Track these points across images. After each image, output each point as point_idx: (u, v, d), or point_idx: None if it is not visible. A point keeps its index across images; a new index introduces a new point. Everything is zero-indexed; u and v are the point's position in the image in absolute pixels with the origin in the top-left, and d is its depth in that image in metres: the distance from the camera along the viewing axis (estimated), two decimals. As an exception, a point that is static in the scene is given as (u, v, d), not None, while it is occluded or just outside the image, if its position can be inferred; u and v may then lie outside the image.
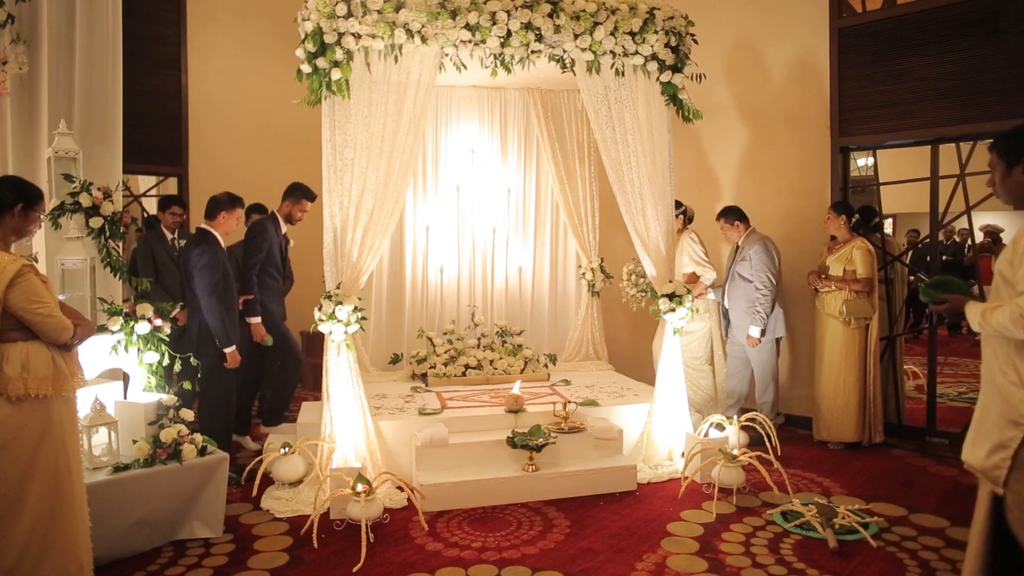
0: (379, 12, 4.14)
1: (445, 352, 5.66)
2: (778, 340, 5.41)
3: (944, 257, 8.06)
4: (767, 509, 4.01)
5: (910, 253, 7.14)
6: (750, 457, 4.11)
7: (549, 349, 6.24)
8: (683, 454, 4.63)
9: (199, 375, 4.36)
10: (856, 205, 5.70)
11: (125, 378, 3.93)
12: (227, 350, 4.38)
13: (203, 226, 4.50)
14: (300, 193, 5.27)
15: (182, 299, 4.86)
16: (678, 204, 5.75)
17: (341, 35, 4.12)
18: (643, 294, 6.02)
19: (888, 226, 9.31)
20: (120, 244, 4.07)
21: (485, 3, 4.27)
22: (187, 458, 3.53)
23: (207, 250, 4.36)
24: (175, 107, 6.49)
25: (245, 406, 5.27)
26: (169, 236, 5.27)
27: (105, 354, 3.76)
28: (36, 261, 3.82)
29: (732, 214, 5.41)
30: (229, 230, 4.56)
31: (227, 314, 4.39)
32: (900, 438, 5.32)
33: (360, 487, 3.59)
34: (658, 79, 4.75)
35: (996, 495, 2.22)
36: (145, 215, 6.56)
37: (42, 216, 2.87)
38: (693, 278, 5.71)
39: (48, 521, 2.65)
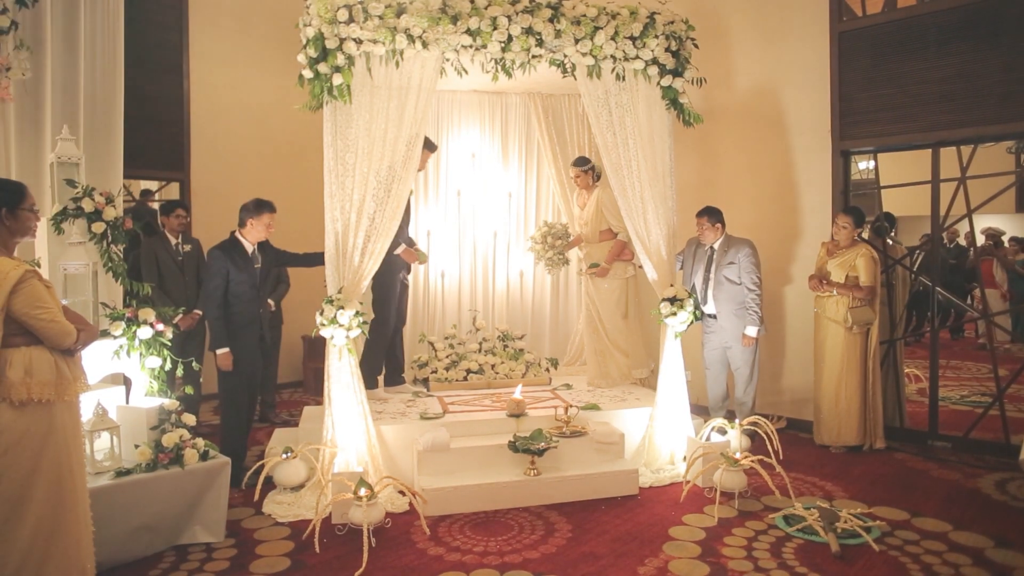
0: (380, 17, 4.15)
1: (447, 356, 5.66)
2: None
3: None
4: (769, 513, 4.01)
5: (915, 257, 7.11)
6: (752, 461, 4.11)
7: (551, 353, 6.24)
8: (685, 458, 4.63)
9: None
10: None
11: (127, 383, 3.94)
12: (218, 352, 4.39)
13: (235, 232, 4.50)
14: None
15: (185, 304, 4.88)
16: (586, 160, 5.77)
17: (343, 40, 4.14)
18: (560, 256, 6.05)
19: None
20: (121, 248, 4.08)
21: (486, 8, 4.28)
22: (189, 463, 3.54)
23: (218, 257, 4.36)
24: (177, 112, 6.51)
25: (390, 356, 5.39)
26: (173, 241, 5.28)
27: (107, 359, 3.77)
28: (39, 267, 3.83)
29: (716, 216, 5.25)
30: (258, 237, 4.48)
31: (230, 319, 4.39)
32: (902, 442, 5.31)
33: (362, 491, 3.60)
34: (659, 83, 4.76)
35: None
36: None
37: (36, 210, 2.81)
38: (619, 247, 5.62)
39: (51, 525, 2.66)
